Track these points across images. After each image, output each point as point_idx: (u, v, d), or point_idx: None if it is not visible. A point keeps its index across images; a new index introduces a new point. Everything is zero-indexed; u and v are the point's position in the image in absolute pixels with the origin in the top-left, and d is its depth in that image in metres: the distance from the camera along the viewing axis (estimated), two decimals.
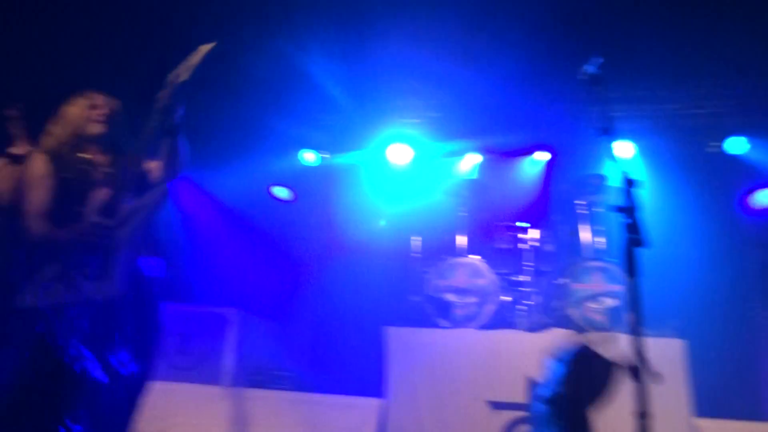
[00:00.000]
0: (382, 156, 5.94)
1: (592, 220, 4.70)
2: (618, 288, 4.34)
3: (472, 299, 4.42)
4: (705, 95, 5.27)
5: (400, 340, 4.10)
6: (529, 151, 5.72)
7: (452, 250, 4.79)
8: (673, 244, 4.69)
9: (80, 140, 2.54)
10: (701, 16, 4.43)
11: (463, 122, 5.78)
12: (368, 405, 3.96)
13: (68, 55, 4.74)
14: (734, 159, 5.32)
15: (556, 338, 3.82)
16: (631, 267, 1.90)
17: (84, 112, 2.56)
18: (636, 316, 1.87)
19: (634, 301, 1.89)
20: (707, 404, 3.71)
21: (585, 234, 4.69)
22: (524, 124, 5.45)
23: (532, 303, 4.35)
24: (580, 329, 4.11)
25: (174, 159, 2.48)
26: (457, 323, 4.33)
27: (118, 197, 2.41)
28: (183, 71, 2.40)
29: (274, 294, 6.07)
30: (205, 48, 2.42)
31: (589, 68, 2.28)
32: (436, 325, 4.37)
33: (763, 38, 4.43)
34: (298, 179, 6.32)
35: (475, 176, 5.63)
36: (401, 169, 5.94)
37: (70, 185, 2.43)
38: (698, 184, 5.21)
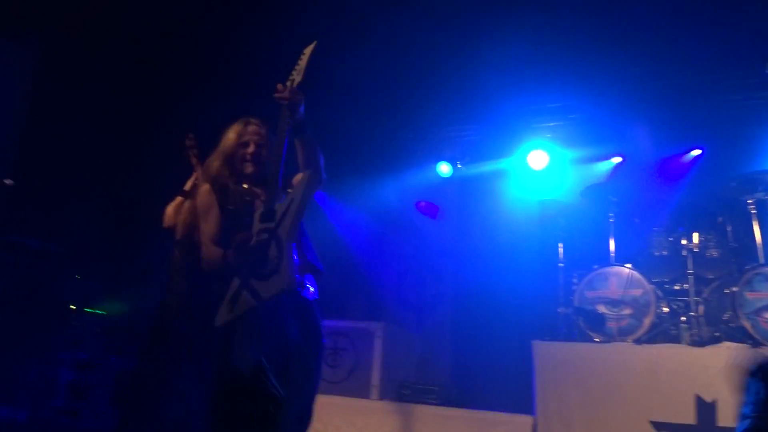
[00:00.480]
0: (521, 163, 5.79)
1: (764, 220, 4.19)
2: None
3: (627, 311, 4.12)
4: None
5: (549, 354, 3.93)
6: (681, 149, 5.26)
7: (601, 259, 4.52)
8: None
9: (238, 174, 2.65)
10: None
11: (604, 122, 5.49)
12: (517, 422, 3.84)
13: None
14: None
15: (732, 353, 3.45)
16: None
17: (237, 149, 2.66)
18: None
19: None
20: None
21: (757, 236, 4.19)
22: (672, 120, 5.03)
23: (696, 314, 3.95)
24: (756, 343, 3.66)
25: (311, 154, 2.55)
26: (612, 337, 4.06)
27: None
28: (296, 75, 2.52)
29: (419, 308, 6.14)
30: (308, 49, 2.54)
31: None
32: (588, 339, 4.13)
33: None
34: (437, 191, 6.36)
35: (621, 179, 5.28)
36: (541, 175, 5.75)
37: (235, 216, 2.55)
38: None
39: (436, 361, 5.55)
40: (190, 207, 2.96)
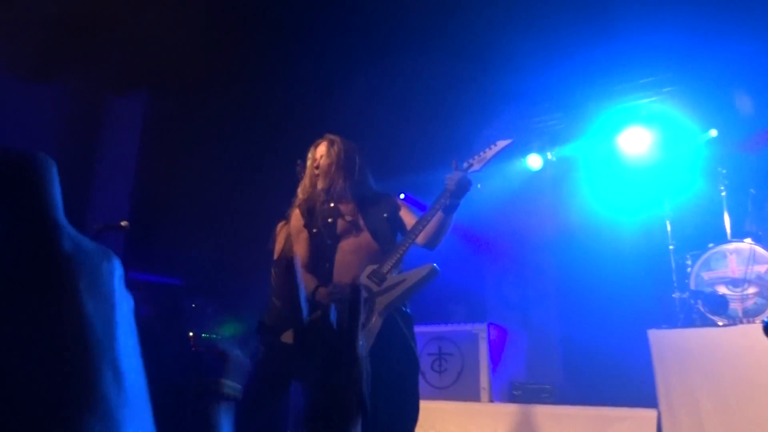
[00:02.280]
0: (615, 145, 5.52)
1: None
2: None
3: (752, 290, 3.78)
4: None
5: (668, 343, 3.69)
6: None
7: (716, 237, 4.18)
8: None
9: (321, 193, 2.72)
10: None
11: (704, 92, 5.10)
12: (640, 416, 3.62)
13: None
14: None
15: None
16: None
17: (312, 168, 2.76)
18: None
19: None
20: None
21: None
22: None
23: None
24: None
25: (440, 235, 2.59)
26: (737, 319, 3.74)
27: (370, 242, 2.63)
28: (476, 162, 2.53)
29: (523, 307, 5.99)
30: (502, 143, 2.52)
31: None
32: (710, 324, 3.83)
33: None
34: (530, 185, 6.20)
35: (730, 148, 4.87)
36: (640, 155, 5.43)
37: (317, 238, 2.64)
38: None
39: (546, 360, 5.37)
40: (287, 230, 3.09)
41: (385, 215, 2.73)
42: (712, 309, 3.86)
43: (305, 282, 2.56)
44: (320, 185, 2.74)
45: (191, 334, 5.72)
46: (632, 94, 5.53)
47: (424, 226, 2.52)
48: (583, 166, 5.91)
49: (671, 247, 4.45)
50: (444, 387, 4.45)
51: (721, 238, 4.10)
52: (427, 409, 4.33)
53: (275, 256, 3.12)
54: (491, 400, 4.28)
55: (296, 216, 2.75)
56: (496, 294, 6.17)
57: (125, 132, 6.09)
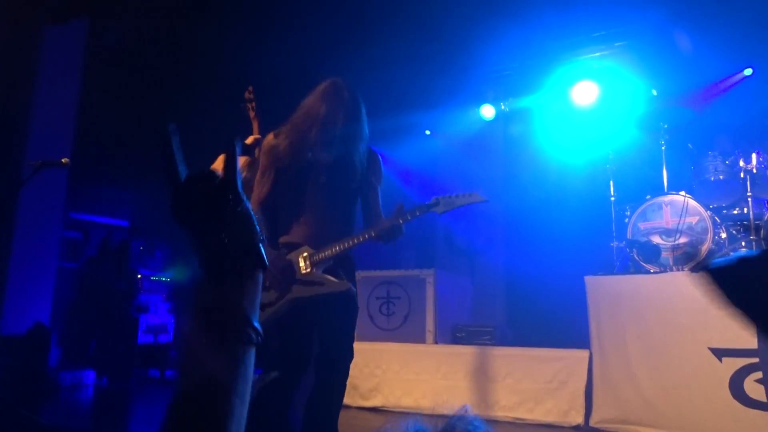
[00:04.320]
0: (565, 97, 5.61)
1: None
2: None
3: (683, 239, 4.01)
4: None
5: (602, 288, 3.89)
6: (731, 70, 4.95)
7: (654, 189, 4.38)
8: None
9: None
10: None
11: (653, 48, 5.20)
12: (573, 357, 3.86)
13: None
14: None
15: None
16: None
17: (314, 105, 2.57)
18: None
19: None
20: None
21: None
22: (720, 40, 4.71)
23: (757, 238, 3.80)
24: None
25: (392, 236, 2.42)
26: (668, 267, 3.97)
27: None
28: (443, 205, 2.46)
29: (471, 253, 6.16)
30: (477, 198, 2.45)
31: None
32: (643, 272, 4.06)
33: None
34: (482, 134, 6.27)
35: (671, 104, 5.04)
36: (588, 108, 5.55)
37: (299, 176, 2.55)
38: None
39: (490, 304, 5.60)
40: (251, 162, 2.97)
41: (374, 184, 2.63)
42: (646, 257, 4.08)
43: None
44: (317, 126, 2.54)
45: (139, 276, 5.68)
46: (585, 47, 5.59)
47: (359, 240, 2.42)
48: (534, 119, 6.00)
49: (612, 198, 4.63)
50: (391, 329, 4.60)
51: (659, 191, 4.29)
52: (374, 350, 4.49)
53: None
54: (436, 342, 4.46)
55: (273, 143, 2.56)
56: (445, 241, 6.32)
57: (65, 63, 5.78)
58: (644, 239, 4.14)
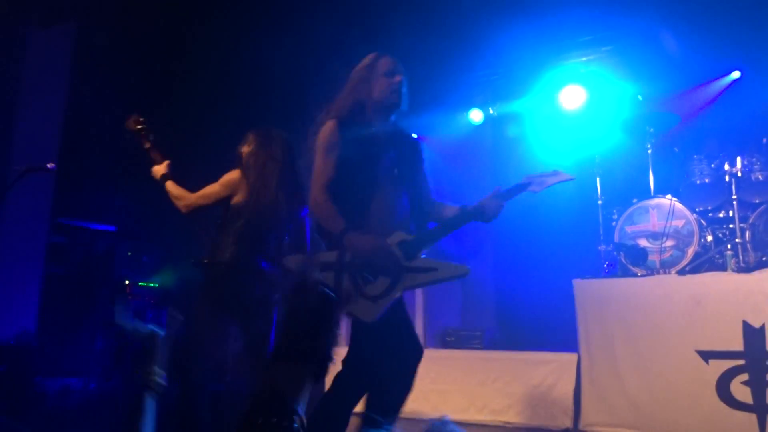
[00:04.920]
0: (553, 102, 5.64)
1: None
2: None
3: (670, 243, 4.04)
4: None
5: (590, 292, 3.91)
6: (719, 73, 5.00)
7: (641, 192, 4.41)
8: None
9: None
10: None
11: (640, 52, 5.25)
12: (561, 360, 3.87)
13: None
14: None
15: None
16: None
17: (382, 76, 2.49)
18: None
19: None
20: None
21: None
22: (709, 43, 4.76)
23: (742, 240, 3.84)
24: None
25: (494, 216, 2.42)
26: (655, 270, 4.00)
27: None
28: (537, 184, 2.46)
29: (460, 256, 6.17)
30: (564, 176, 2.47)
31: None
32: (630, 275, 4.08)
33: None
34: (471, 138, 6.29)
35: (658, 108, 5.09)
36: (576, 112, 5.58)
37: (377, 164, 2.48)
38: None
39: (479, 308, 5.61)
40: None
41: (420, 164, 2.56)
42: (633, 260, 4.10)
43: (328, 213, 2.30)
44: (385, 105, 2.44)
45: (127, 282, 5.63)
46: (573, 51, 5.63)
47: (459, 223, 2.39)
48: (522, 123, 6.02)
49: (600, 201, 4.66)
50: None
51: (646, 194, 4.32)
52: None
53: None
54: (425, 345, 4.44)
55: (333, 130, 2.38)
56: (435, 244, 6.32)
57: (52, 68, 5.74)
58: (631, 242, 4.17)
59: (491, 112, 6.23)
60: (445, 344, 4.49)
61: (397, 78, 2.45)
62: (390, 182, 2.38)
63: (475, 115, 6.22)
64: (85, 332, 5.51)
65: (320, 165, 2.36)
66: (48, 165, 3.27)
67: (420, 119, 6.43)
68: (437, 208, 2.53)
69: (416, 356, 2.41)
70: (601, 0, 5.03)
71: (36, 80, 5.53)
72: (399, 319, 2.35)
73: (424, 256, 2.33)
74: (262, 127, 3.02)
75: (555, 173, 2.48)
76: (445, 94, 6.26)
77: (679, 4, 4.82)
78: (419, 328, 4.46)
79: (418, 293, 4.53)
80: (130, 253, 5.99)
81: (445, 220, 2.45)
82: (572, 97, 5.52)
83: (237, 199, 2.86)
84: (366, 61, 2.52)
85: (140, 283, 5.75)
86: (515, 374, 3.96)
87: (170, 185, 2.99)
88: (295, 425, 0.72)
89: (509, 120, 6.11)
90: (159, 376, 2.06)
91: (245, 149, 2.95)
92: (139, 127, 3.04)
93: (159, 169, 3.02)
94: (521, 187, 2.46)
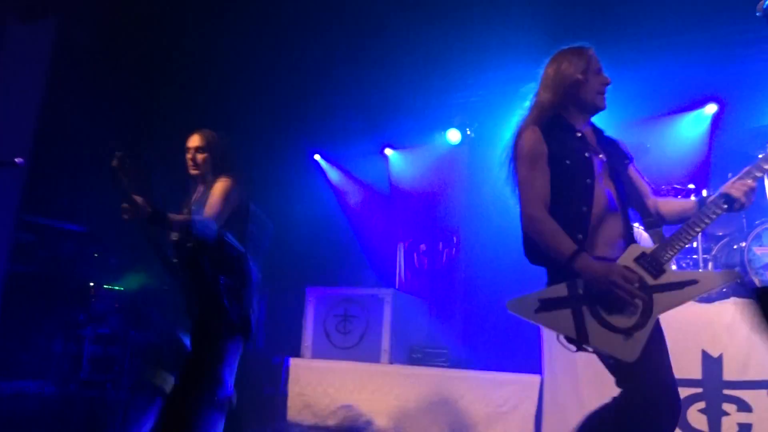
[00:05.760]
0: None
1: None
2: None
3: None
4: None
5: None
6: (692, 106, 5.15)
7: None
8: None
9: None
10: None
11: (618, 77, 5.36)
12: (525, 381, 3.89)
13: None
14: None
15: (739, 308, 3.44)
16: None
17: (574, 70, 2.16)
18: None
19: None
20: None
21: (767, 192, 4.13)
22: (686, 78, 4.91)
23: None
24: None
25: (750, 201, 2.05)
26: None
27: None
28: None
29: (432, 275, 6.20)
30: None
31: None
32: None
33: None
34: (448, 159, 6.35)
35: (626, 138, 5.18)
36: None
37: (571, 171, 2.14)
38: None
39: (447, 326, 5.62)
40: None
41: (627, 164, 2.17)
42: None
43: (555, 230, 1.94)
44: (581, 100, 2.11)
45: (92, 284, 5.52)
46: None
47: (705, 220, 1.98)
48: (500, 145, 6.08)
49: None
50: (347, 348, 4.57)
51: None
52: (329, 368, 4.45)
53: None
54: (390, 361, 4.44)
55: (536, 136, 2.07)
56: (408, 262, 6.34)
57: (31, 63, 5.65)
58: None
59: (468, 133, 6.30)
60: (411, 361, 4.48)
61: (607, 79, 2.16)
62: (607, 189, 2.03)
63: (453, 135, 6.29)
64: (44, 334, 5.38)
65: (529, 177, 2.05)
66: (16, 160, 3.21)
67: (398, 135, 6.51)
68: (663, 207, 2.16)
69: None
70: (574, 32, 5.13)
71: (13, 74, 5.44)
72: (664, 350, 1.98)
73: (674, 268, 2.00)
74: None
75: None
76: (424, 113, 6.34)
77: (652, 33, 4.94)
78: (385, 344, 4.46)
79: (386, 309, 4.53)
80: (96, 255, 5.88)
81: (688, 219, 2.00)
82: None
83: None
84: (578, 55, 2.16)
85: (105, 286, 5.64)
86: (479, 394, 3.97)
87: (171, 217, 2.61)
88: None
89: (487, 142, 6.18)
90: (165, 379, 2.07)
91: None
92: (118, 164, 2.60)
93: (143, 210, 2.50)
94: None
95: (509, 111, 5.91)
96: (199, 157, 2.82)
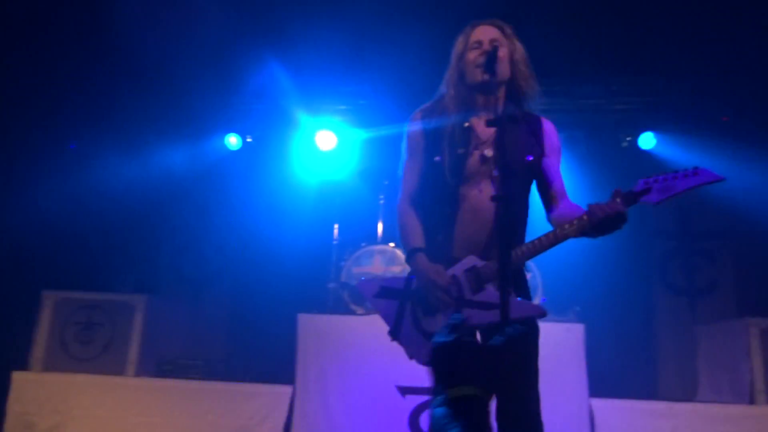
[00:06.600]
0: (310, 140, 5.85)
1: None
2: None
3: None
4: (618, 91, 5.43)
5: (312, 326, 4.07)
6: None
7: (370, 238, 4.80)
8: None
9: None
10: (615, 13, 4.58)
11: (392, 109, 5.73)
12: (276, 392, 3.94)
13: None
14: (645, 154, 5.52)
15: None
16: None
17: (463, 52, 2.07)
18: None
19: None
20: (604, 385, 3.87)
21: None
22: None
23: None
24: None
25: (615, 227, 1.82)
26: (372, 310, 4.33)
27: None
28: (658, 190, 1.84)
29: (197, 282, 5.93)
30: (711, 178, 1.81)
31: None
32: (352, 312, 4.37)
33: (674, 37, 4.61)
34: (222, 163, 6.18)
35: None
36: (327, 154, 5.86)
37: (436, 171, 2.08)
38: (612, 177, 5.37)
39: (210, 336, 5.44)
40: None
41: (529, 159, 1.99)
42: (354, 299, 4.42)
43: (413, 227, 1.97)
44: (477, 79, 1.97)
45: None
46: (331, 98, 5.90)
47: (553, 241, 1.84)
48: (277, 156, 6.09)
49: (335, 242, 4.95)
50: (87, 359, 4.16)
51: (374, 240, 4.72)
52: (61, 382, 4.00)
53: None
54: (136, 374, 4.14)
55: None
56: (172, 267, 5.99)
57: None
58: (354, 282, 4.49)
59: (248, 140, 6.22)
60: (160, 373, 4.23)
61: (484, 48, 2.05)
62: (480, 190, 1.98)
63: (233, 140, 6.15)
64: None
65: (405, 168, 2.12)
66: None
67: (177, 133, 6.15)
68: (555, 215, 2.00)
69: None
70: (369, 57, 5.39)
71: None
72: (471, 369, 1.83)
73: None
74: None
75: (693, 174, 1.85)
76: (205, 117, 6.10)
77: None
78: (132, 355, 4.16)
79: (137, 317, 4.24)
80: None
81: (547, 233, 1.88)
82: (326, 140, 5.80)
83: None
84: (462, 32, 2.11)
85: None
86: (229, 407, 3.90)
87: None
88: None
89: (267, 150, 6.15)
90: None
91: None
92: None
93: None
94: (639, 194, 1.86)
95: (291, 123, 5.99)
96: None
